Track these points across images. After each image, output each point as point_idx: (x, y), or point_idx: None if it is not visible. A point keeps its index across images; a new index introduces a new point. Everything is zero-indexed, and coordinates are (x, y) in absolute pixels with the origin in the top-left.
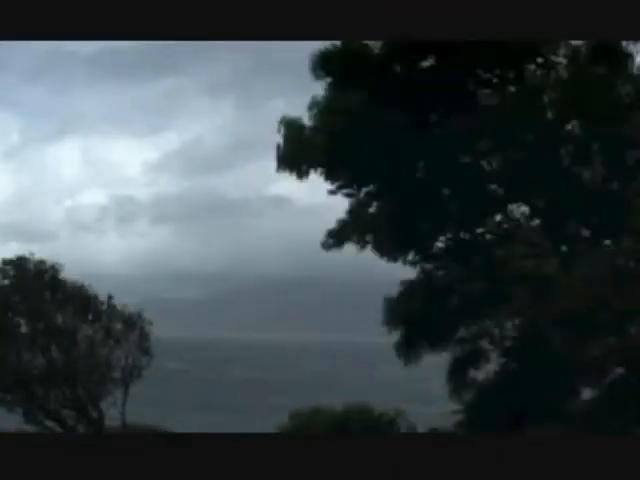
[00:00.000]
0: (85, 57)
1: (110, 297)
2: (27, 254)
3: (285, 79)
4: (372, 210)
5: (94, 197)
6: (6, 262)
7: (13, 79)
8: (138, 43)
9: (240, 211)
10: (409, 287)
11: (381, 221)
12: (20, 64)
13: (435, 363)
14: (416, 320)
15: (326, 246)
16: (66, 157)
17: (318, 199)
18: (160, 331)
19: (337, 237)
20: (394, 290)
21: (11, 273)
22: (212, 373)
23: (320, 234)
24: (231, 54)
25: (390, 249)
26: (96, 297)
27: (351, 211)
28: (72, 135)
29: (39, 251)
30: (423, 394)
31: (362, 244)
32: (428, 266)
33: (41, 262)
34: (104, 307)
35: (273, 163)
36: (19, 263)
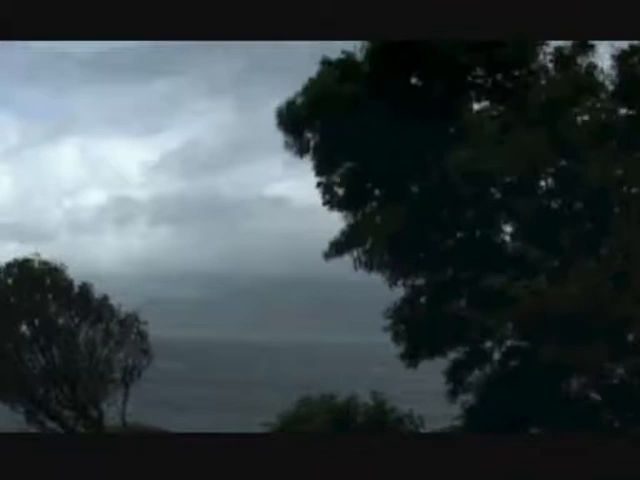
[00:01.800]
0: (84, 58)
1: (106, 298)
2: (30, 255)
3: (283, 80)
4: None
5: (93, 198)
6: (11, 263)
7: (12, 79)
8: (135, 44)
9: (239, 212)
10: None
11: (385, 233)
12: (18, 65)
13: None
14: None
15: (328, 255)
16: (65, 157)
17: (317, 200)
18: (160, 331)
19: (339, 248)
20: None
21: (15, 273)
22: (212, 373)
23: (319, 235)
24: (229, 55)
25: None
26: (99, 298)
27: (354, 224)
28: (71, 136)
29: (38, 252)
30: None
31: (359, 260)
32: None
33: (45, 263)
34: (103, 308)
35: (272, 163)
36: (23, 264)
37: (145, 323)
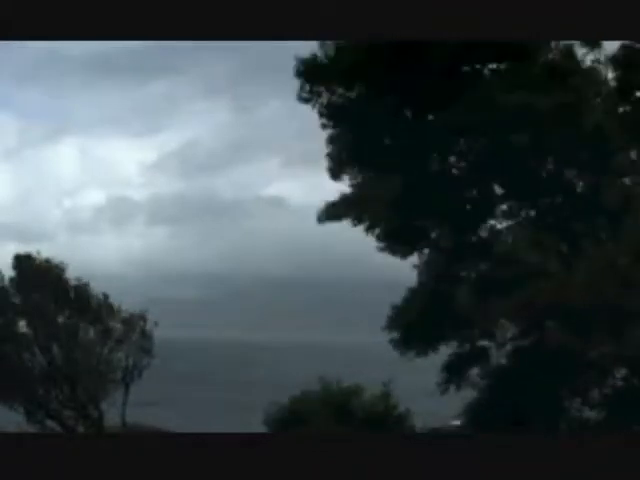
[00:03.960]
0: (82, 59)
1: (106, 297)
2: (33, 253)
3: (281, 81)
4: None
5: (92, 198)
6: (11, 260)
7: (11, 80)
8: (133, 45)
9: (238, 212)
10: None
11: (382, 204)
12: (17, 65)
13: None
14: (415, 322)
15: (321, 219)
16: (64, 158)
17: (315, 200)
18: (160, 331)
19: (335, 212)
20: (394, 291)
21: (14, 272)
22: (211, 374)
23: (317, 235)
24: (227, 55)
25: (389, 237)
26: (98, 297)
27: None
28: (70, 136)
29: (37, 252)
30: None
31: (358, 221)
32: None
33: (46, 261)
34: (103, 307)
35: (269, 164)
36: (22, 262)
37: (145, 321)
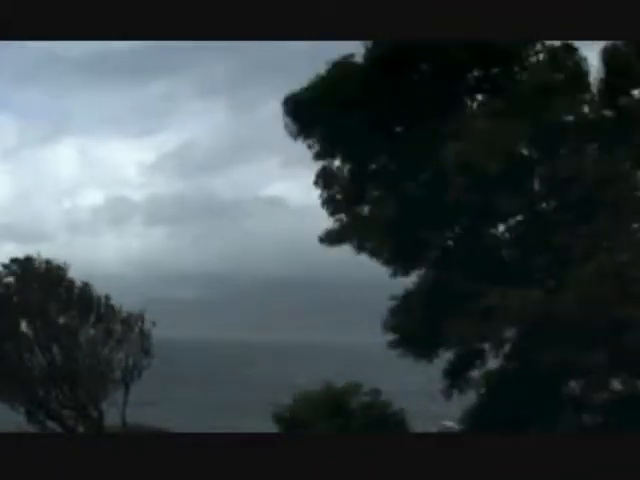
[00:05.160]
0: (81, 59)
1: (107, 297)
2: (34, 254)
3: (279, 81)
4: (370, 212)
5: (91, 198)
6: (12, 261)
7: (10, 81)
8: (133, 45)
9: (237, 212)
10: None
11: (379, 224)
12: (16, 66)
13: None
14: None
15: (324, 244)
16: (63, 158)
17: (314, 200)
18: (159, 331)
19: (335, 238)
20: (393, 291)
21: (17, 272)
22: (211, 374)
23: (317, 235)
24: (226, 55)
25: (388, 255)
26: (99, 298)
27: (350, 212)
28: (69, 137)
29: (35, 252)
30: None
31: (360, 247)
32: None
33: (47, 262)
34: (103, 307)
35: (268, 164)
36: (24, 263)
37: (143, 321)
